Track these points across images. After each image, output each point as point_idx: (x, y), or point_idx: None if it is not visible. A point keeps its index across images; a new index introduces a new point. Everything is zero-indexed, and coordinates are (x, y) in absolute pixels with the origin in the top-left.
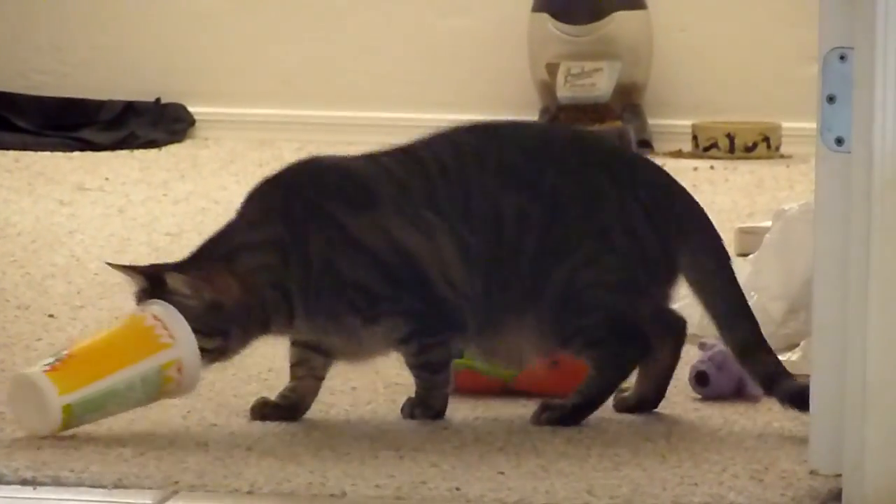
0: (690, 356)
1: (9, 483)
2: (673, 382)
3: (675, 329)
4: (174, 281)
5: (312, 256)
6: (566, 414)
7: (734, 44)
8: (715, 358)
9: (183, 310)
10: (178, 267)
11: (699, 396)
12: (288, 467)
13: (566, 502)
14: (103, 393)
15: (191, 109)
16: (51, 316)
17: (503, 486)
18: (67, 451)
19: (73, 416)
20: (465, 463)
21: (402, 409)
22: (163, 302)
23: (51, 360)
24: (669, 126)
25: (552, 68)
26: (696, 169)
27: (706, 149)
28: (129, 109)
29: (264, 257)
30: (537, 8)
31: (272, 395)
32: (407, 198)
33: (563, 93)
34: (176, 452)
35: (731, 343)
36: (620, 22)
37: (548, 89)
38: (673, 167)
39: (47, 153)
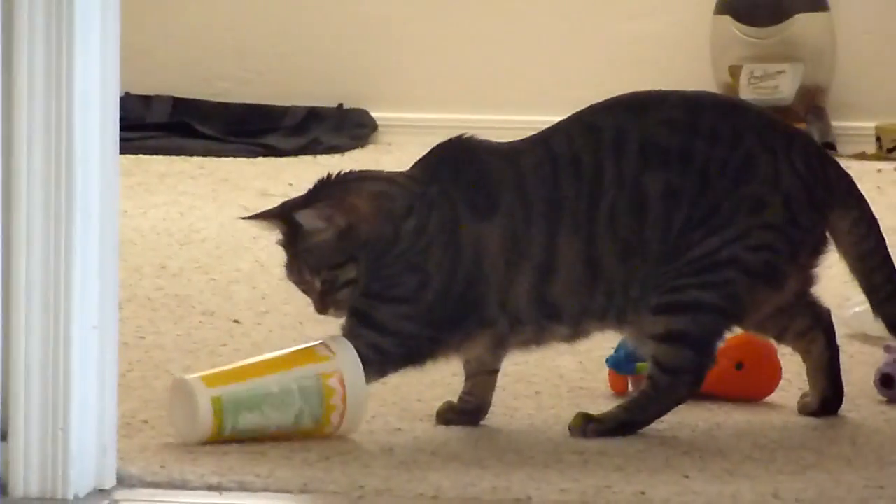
0: (875, 359)
1: (195, 489)
2: (858, 385)
3: (822, 320)
4: (306, 218)
5: (423, 232)
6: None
7: None
8: None
9: (320, 244)
10: (304, 202)
11: (884, 399)
12: (472, 472)
13: None
14: (255, 393)
15: (373, 114)
16: (235, 321)
17: (688, 490)
18: (253, 457)
19: (225, 412)
20: (649, 467)
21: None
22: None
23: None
24: (853, 128)
25: (735, 71)
26: (880, 171)
27: (890, 150)
28: (312, 115)
29: (388, 188)
30: (720, 10)
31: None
32: (525, 211)
33: (746, 95)
34: (361, 457)
35: (885, 316)
36: (803, 24)
37: (731, 92)
38: (857, 169)
39: (231, 159)
